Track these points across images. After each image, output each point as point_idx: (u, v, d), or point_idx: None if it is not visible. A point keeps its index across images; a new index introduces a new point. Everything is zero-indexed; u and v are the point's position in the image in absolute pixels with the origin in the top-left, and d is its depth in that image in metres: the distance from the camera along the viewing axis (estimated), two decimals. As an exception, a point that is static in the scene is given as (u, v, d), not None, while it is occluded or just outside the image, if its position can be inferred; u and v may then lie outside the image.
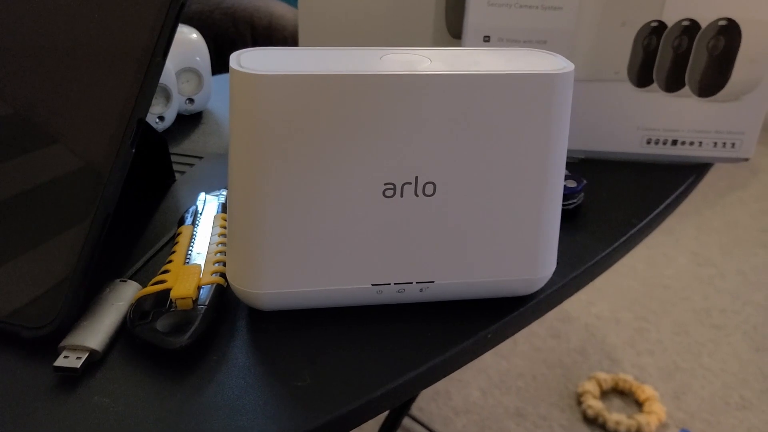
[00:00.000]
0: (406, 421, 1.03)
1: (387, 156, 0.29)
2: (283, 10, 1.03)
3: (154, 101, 0.51)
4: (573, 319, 1.27)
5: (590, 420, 1.03)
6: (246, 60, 0.28)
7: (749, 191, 1.79)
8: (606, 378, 1.09)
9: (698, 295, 1.36)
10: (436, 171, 0.30)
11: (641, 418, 1.01)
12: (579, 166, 0.49)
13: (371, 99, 0.28)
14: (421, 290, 0.32)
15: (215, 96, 0.60)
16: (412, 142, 0.29)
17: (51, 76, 0.33)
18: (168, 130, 0.53)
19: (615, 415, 1.02)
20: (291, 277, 0.31)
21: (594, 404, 1.03)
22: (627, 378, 1.09)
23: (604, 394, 1.08)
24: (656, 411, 1.02)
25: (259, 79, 0.27)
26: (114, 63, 0.33)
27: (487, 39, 0.46)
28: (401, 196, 0.30)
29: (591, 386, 1.07)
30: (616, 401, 1.08)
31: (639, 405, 1.06)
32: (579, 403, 1.06)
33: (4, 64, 0.34)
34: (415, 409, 1.05)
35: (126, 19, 0.33)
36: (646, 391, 1.06)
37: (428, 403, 1.07)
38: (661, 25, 0.46)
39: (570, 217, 0.42)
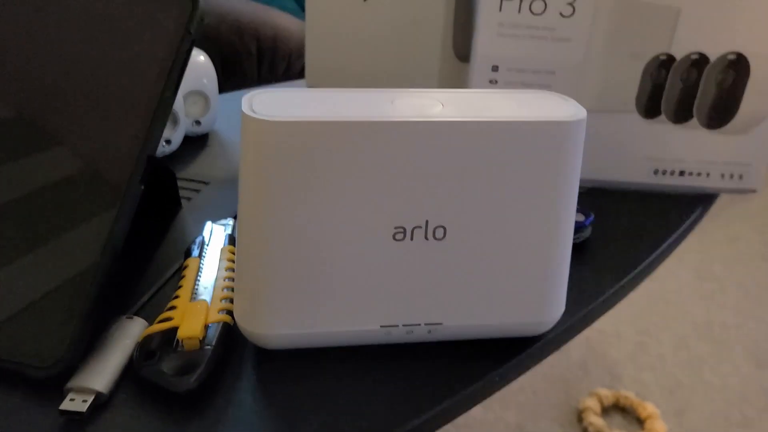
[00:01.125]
0: (407, 436, 1.02)
1: (398, 200, 0.29)
2: (288, 23, 1.03)
3: (160, 124, 0.51)
4: (574, 333, 1.26)
5: (591, 437, 1.03)
6: (258, 104, 0.28)
7: (752, 205, 1.79)
8: (607, 394, 1.08)
9: (700, 310, 1.36)
10: (447, 215, 0.30)
11: (642, 436, 1.01)
12: (586, 195, 0.49)
13: (382, 145, 0.28)
14: (429, 331, 0.32)
15: (222, 116, 0.60)
16: (424, 186, 0.29)
17: (60, 113, 0.33)
18: (175, 153, 0.53)
19: (616, 432, 1.02)
20: (299, 318, 0.30)
21: (595, 421, 1.03)
22: (628, 395, 1.09)
23: (605, 411, 1.08)
24: (657, 429, 1.02)
25: (270, 126, 0.27)
26: (124, 99, 0.33)
27: (495, 69, 0.46)
28: (411, 239, 0.30)
29: (592, 403, 1.07)
30: (618, 418, 1.08)
31: (640, 422, 1.06)
32: (580, 419, 1.06)
33: (17, 102, 0.34)
34: (415, 424, 1.04)
35: (137, 56, 0.33)
36: (647, 409, 1.06)
37: (429, 416, 1.06)
38: (670, 58, 0.46)
39: (577, 251, 0.42)
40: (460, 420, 1.06)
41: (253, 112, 0.27)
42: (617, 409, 1.09)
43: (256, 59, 0.97)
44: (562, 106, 0.30)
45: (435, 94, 0.31)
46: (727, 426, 1.06)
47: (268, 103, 0.29)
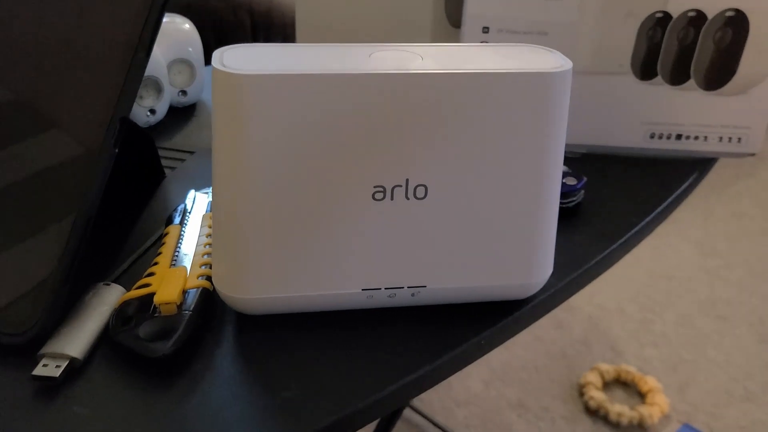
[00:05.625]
0: (407, 412, 1.02)
1: (376, 158, 0.28)
2: (282, -3, 1.01)
3: (145, 94, 0.50)
4: (576, 309, 1.26)
5: (592, 411, 1.02)
6: (229, 58, 0.27)
7: (756, 180, 1.77)
8: (608, 369, 1.08)
9: (703, 286, 1.34)
10: (428, 173, 0.29)
11: (643, 410, 1.00)
12: (580, 161, 0.48)
13: (359, 99, 0.27)
14: (412, 295, 0.31)
15: (209, 87, 0.58)
16: (403, 143, 0.28)
17: (29, 75, 0.32)
18: (160, 124, 0.52)
19: (617, 406, 1.01)
20: (278, 281, 0.30)
21: (596, 395, 1.02)
22: (630, 369, 1.08)
23: (607, 386, 1.08)
24: (659, 403, 1.02)
25: (241, 79, 0.26)
26: (95, 60, 0.31)
27: (486, 30, 0.45)
28: (391, 199, 0.29)
29: (593, 377, 1.06)
30: (619, 393, 1.07)
31: (642, 396, 1.05)
32: (581, 394, 1.05)
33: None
34: (415, 400, 1.04)
35: (108, 15, 0.32)
36: (648, 383, 1.05)
37: (429, 393, 1.06)
38: (666, 16, 0.44)
39: (569, 216, 0.41)
40: (461, 395, 1.06)
41: (223, 66, 0.26)
42: (619, 383, 1.08)
43: (251, 33, 0.96)
44: (547, 58, 0.29)
45: (415, 48, 0.30)
46: (730, 401, 1.06)
47: (240, 57, 0.27)
